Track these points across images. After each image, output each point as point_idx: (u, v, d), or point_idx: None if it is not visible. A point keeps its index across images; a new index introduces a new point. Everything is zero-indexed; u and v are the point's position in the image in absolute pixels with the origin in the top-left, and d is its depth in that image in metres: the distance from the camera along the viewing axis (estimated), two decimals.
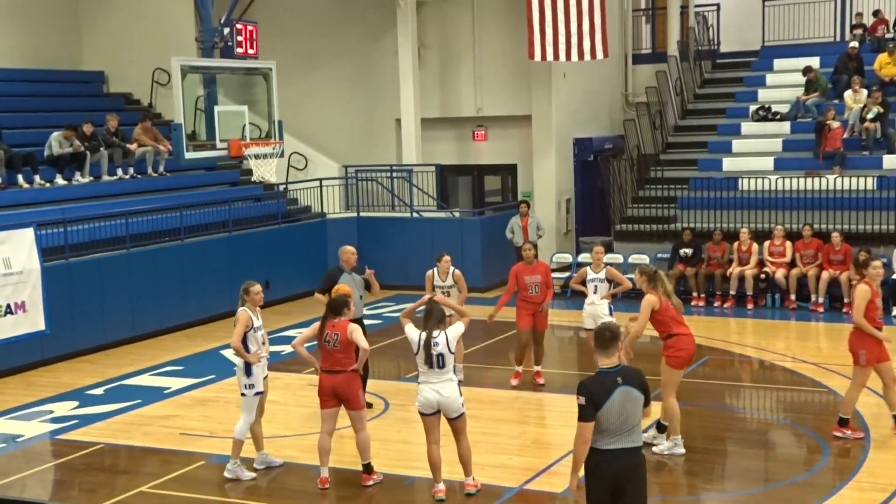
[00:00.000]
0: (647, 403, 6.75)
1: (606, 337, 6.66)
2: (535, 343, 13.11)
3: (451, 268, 12.94)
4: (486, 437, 10.77)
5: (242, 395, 9.88)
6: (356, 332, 9.36)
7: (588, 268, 12.70)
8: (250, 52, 16.08)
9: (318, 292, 11.69)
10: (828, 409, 12.04)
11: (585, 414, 6.49)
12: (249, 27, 16.17)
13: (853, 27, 22.79)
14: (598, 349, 6.69)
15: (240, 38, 15.88)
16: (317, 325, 9.62)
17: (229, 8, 16.13)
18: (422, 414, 9.04)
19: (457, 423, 9.03)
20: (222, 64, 15.86)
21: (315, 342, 9.66)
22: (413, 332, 9.03)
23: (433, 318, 8.97)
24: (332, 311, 9.51)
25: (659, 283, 10.13)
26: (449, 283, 12.89)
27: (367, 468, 9.69)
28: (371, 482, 9.64)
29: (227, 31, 15.76)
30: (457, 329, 9.08)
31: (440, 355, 8.87)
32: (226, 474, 9.94)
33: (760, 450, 10.72)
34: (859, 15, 23.04)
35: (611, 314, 12.47)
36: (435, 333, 8.89)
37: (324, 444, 9.65)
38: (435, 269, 12.95)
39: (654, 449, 10.26)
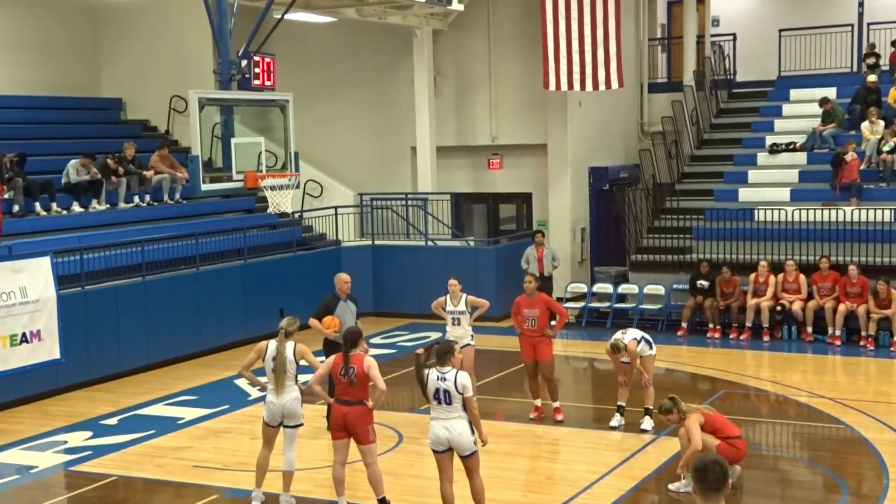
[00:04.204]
0: None
1: (716, 474, 4.58)
2: (544, 377, 12.81)
3: (463, 294, 12.92)
4: (499, 472, 10.70)
5: (300, 425, 10.02)
6: (373, 369, 9.34)
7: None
8: (267, 83, 16.12)
9: (313, 317, 12.26)
10: (845, 446, 11.95)
11: None
12: (267, 59, 16.23)
13: (866, 56, 22.64)
14: (702, 490, 4.63)
15: (257, 70, 15.95)
16: (330, 361, 9.63)
17: (247, 40, 16.19)
18: (434, 451, 8.99)
19: (469, 461, 8.95)
20: (239, 96, 15.91)
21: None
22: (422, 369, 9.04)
23: (436, 353, 8.92)
24: (350, 344, 9.49)
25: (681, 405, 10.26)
26: (461, 309, 12.86)
27: (383, 502, 9.65)
28: None
29: (244, 63, 15.82)
30: (468, 379, 8.95)
31: (446, 392, 8.81)
32: None
33: (776, 488, 10.62)
34: (871, 45, 22.95)
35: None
36: (445, 369, 8.86)
37: (337, 474, 9.67)
38: (447, 295, 12.97)
39: (670, 486, 10.20)
